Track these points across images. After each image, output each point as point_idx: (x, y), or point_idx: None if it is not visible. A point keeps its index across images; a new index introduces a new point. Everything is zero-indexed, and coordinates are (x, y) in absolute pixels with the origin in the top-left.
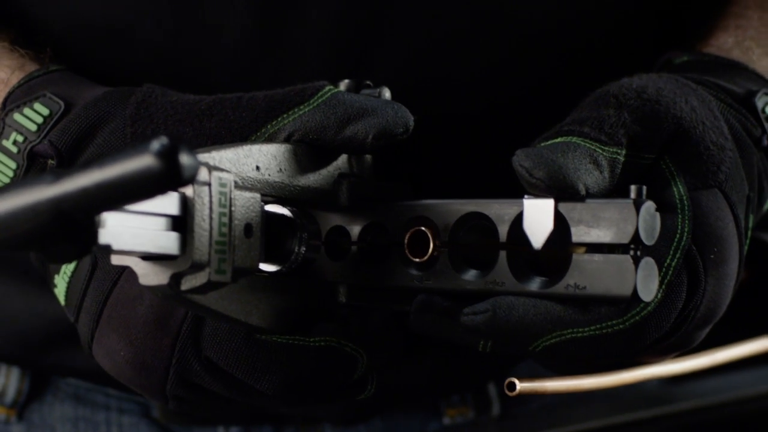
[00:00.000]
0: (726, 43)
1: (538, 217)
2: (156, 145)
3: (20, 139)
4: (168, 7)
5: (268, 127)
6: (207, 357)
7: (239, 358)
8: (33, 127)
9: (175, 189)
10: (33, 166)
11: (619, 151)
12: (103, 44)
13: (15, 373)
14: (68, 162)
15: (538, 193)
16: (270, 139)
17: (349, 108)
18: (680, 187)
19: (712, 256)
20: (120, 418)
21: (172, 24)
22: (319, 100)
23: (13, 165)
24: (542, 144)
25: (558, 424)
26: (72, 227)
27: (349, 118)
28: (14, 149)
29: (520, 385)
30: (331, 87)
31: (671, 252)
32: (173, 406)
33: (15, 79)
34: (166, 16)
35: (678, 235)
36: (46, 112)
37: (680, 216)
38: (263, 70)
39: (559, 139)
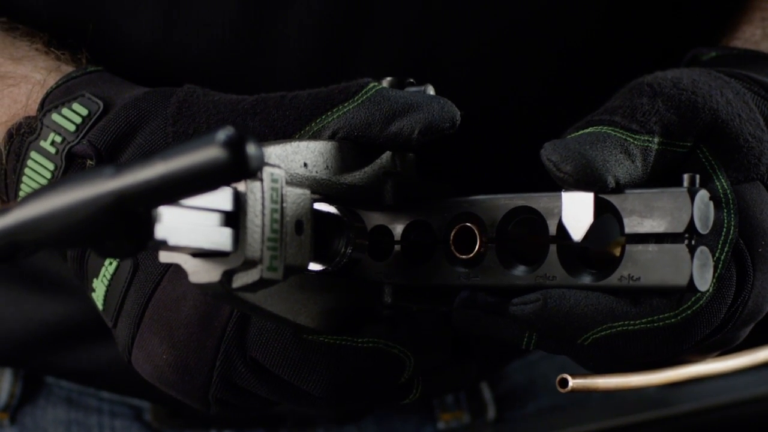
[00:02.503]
0: (754, 36)
1: (578, 209)
2: (222, 135)
3: (58, 139)
4: (157, 4)
5: (312, 125)
6: (252, 358)
7: (286, 359)
8: (71, 128)
9: (241, 180)
10: (71, 167)
11: (650, 138)
12: (93, 42)
13: (7, 377)
14: (108, 162)
15: (567, 187)
16: (315, 137)
17: (394, 104)
18: (723, 180)
19: (760, 250)
20: (112, 422)
21: (162, 21)
22: (364, 97)
23: (51, 166)
24: (571, 135)
25: (554, 427)
26: (130, 221)
27: (395, 113)
28: (52, 150)
29: (573, 382)
30: (376, 83)
31: (719, 245)
32: (215, 411)
33: (52, 80)
34: (156, 14)
35: (725, 229)
36: (84, 112)
37: (725, 210)
38: (252, 63)
39: (589, 130)
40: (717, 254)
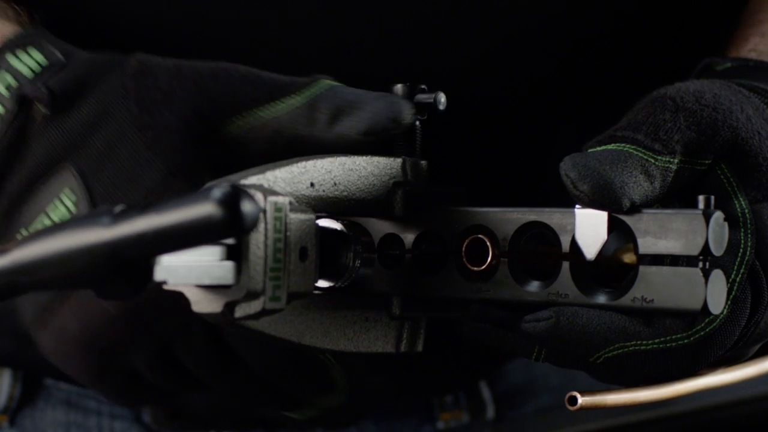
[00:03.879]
0: (763, 48)
1: (592, 227)
2: (217, 193)
3: (13, 83)
4: None
5: (246, 115)
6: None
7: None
8: (28, 73)
9: (236, 237)
10: (22, 112)
11: (672, 160)
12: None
13: (7, 379)
14: (62, 110)
15: (582, 205)
16: (254, 131)
17: (340, 102)
18: (741, 200)
19: None
20: (111, 424)
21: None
22: (309, 92)
23: (1, 109)
24: (593, 149)
25: (554, 427)
26: (128, 267)
27: (340, 112)
28: (5, 93)
29: (582, 399)
30: (329, 80)
31: (735, 267)
32: (117, 396)
33: (9, 29)
34: None
35: (742, 250)
36: (41, 59)
37: (743, 230)
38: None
39: (612, 146)
40: (733, 276)
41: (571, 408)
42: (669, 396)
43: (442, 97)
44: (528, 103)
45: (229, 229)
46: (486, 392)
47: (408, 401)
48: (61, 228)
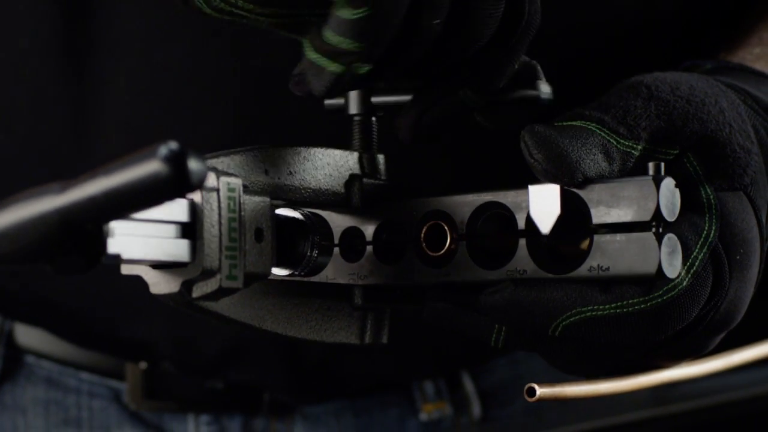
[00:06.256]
0: (746, 59)
1: (545, 202)
2: (164, 150)
3: None
4: None
5: None
6: None
7: None
8: None
9: (183, 195)
10: None
11: (635, 145)
12: None
13: None
14: None
15: (536, 173)
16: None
17: None
18: (707, 187)
19: (738, 257)
20: (90, 402)
21: None
22: None
23: None
24: (557, 123)
25: (543, 427)
26: (80, 237)
27: None
28: None
29: (540, 390)
30: None
31: (698, 245)
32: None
33: None
34: None
35: (705, 232)
36: None
37: (707, 214)
38: None
39: (577, 122)
40: (695, 252)
41: (529, 399)
42: (629, 388)
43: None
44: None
45: (176, 185)
46: (469, 385)
47: (383, 381)
48: (11, 202)
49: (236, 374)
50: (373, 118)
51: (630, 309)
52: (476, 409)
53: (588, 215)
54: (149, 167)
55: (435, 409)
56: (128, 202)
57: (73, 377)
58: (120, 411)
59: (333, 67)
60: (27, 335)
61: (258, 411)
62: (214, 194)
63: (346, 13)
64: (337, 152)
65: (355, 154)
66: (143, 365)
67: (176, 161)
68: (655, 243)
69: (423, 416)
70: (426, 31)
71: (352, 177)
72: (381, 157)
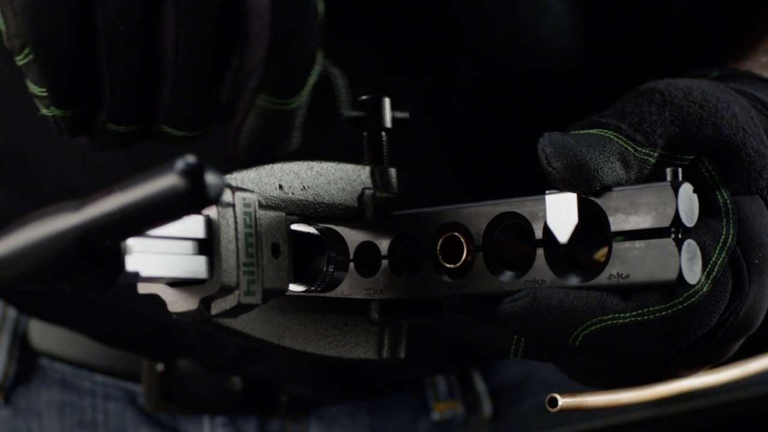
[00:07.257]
0: (757, 64)
1: (562, 211)
2: (181, 164)
3: None
4: None
5: None
6: None
7: None
8: None
9: (201, 209)
10: None
11: (652, 153)
12: None
13: (2, 357)
14: None
15: (553, 183)
16: None
17: None
18: (723, 192)
19: (756, 261)
20: (106, 405)
21: None
22: None
23: None
24: (575, 132)
25: (552, 425)
26: (98, 256)
27: None
28: None
29: (563, 401)
30: None
31: (717, 250)
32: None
33: None
34: None
35: (723, 236)
36: None
37: (725, 219)
38: None
39: (594, 131)
40: (714, 257)
41: (551, 410)
42: (651, 398)
43: (387, 103)
44: (506, 114)
45: (194, 199)
46: (480, 384)
47: (396, 379)
48: (26, 221)
49: (258, 369)
50: (384, 132)
51: (651, 316)
52: (487, 408)
53: (606, 223)
54: (166, 181)
55: (447, 408)
56: (146, 217)
57: (87, 379)
58: (135, 413)
59: (46, 112)
60: (41, 337)
61: (274, 412)
62: (230, 210)
63: (18, 61)
64: (350, 166)
65: (367, 168)
66: (160, 367)
67: (194, 175)
68: (675, 249)
69: (435, 416)
70: (119, 58)
71: (366, 191)
72: (393, 171)
